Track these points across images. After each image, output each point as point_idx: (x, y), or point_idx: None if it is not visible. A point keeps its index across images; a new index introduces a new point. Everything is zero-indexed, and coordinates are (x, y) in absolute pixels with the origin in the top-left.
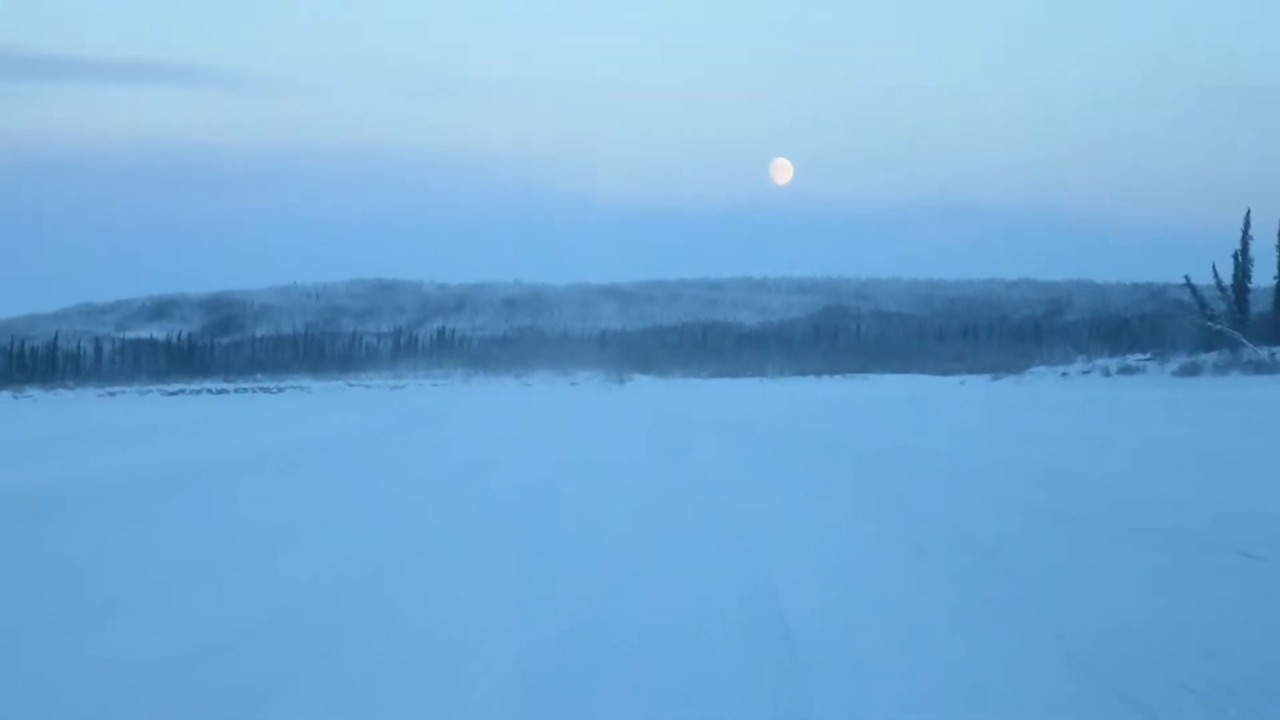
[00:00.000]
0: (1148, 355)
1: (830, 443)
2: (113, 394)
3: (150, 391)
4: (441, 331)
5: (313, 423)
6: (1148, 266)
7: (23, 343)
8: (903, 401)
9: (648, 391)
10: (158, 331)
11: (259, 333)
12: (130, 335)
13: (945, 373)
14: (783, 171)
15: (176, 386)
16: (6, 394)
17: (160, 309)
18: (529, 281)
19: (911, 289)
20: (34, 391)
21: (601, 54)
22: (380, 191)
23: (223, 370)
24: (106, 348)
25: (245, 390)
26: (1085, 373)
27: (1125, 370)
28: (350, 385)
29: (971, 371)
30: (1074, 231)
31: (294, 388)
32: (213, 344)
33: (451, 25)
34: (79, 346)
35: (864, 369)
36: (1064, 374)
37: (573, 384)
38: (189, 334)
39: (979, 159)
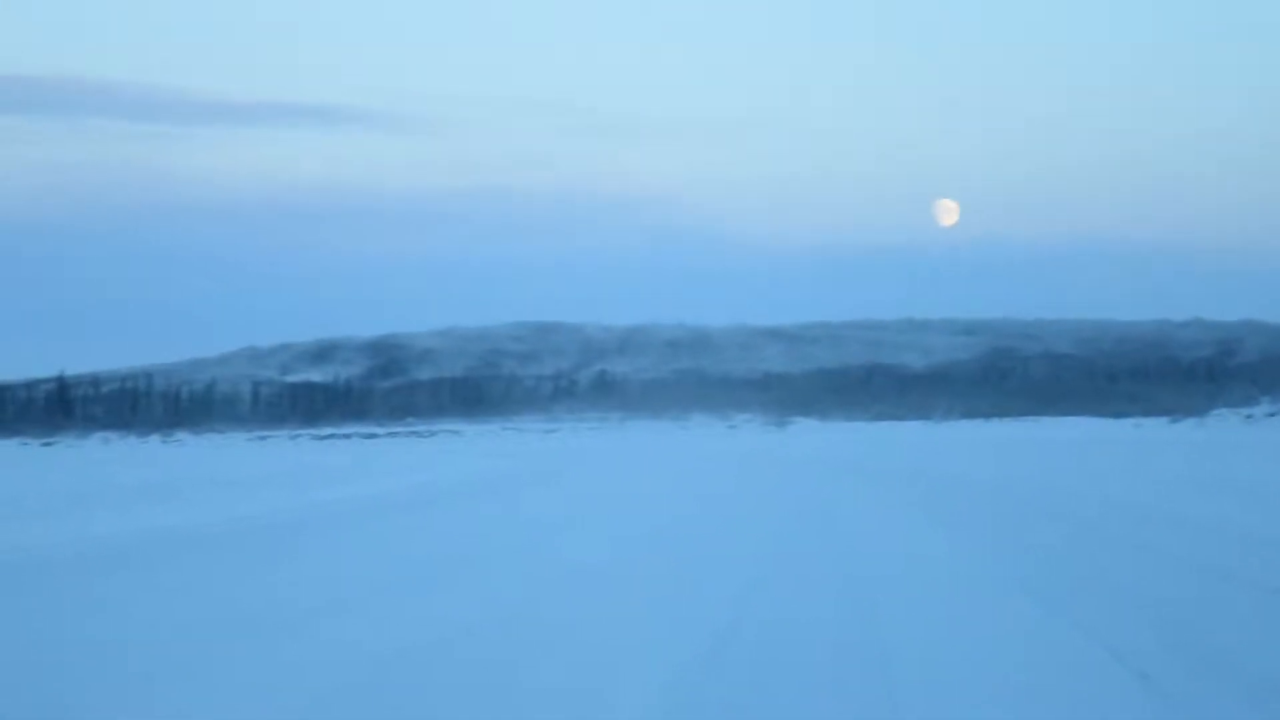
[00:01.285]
0: None
1: (1044, 506)
2: (262, 438)
3: (300, 436)
4: (602, 374)
5: (432, 470)
6: None
7: (179, 387)
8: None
9: (809, 438)
10: (320, 375)
11: (421, 375)
12: (292, 379)
13: (1117, 414)
14: (948, 212)
15: (328, 430)
16: (155, 438)
17: (323, 352)
18: (692, 324)
19: (1079, 329)
20: (183, 435)
21: (766, 93)
22: (543, 232)
23: (379, 413)
24: (264, 391)
25: (396, 434)
26: (1271, 415)
27: None
28: (504, 429)
29: (1146, 414)
30: (1245, 270)
31: (446, 431)
32: (371, 387)
33: (616, 62)
34: (235, 390)
35: (1034, 412)
36: (1248, 416)
37: (731, 427)
38: (347, 377)
39: (1145, 197)
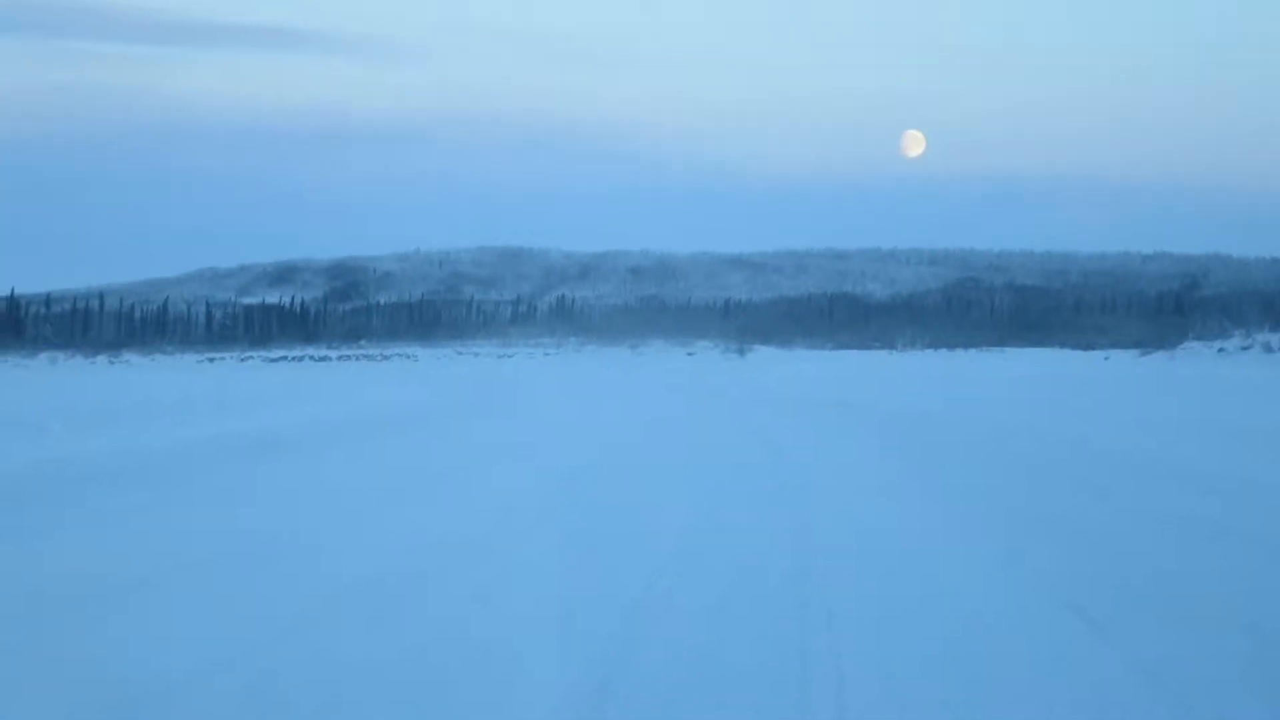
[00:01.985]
0: None
1: (1017, 446)
2: (211, 360)
3: (251, 358)
4: (561, 300)
5: (372, 395)
6: None
7: (132, 306)
8: (1056, 381)
9: (766, 365)
10: (280, 297)
11: (381, 299)
12: (249, 301)
13: (1086, 347)
14: (915, 143)
15: (280, 353)
16: (103, 358)
17: (283, 275)
18: (656, 250)
19: (1045, 262)
20: (131, 356)
21: (734, 26)
22: (509, 159)
23: (335, 336)
24: (218, 312)
25: (348, 357)
26: (1245, 348)
27: None
28: (459, 353)
29: (1115, 346)
30: (1211, 204)
31: (400, 355)
32: (327, 310)
33: None
34: (189, 311)
35: (1000, 343)
36: (1220, 349)
37: (690, 354)
38: (304, 300)
39: (1111, 131)
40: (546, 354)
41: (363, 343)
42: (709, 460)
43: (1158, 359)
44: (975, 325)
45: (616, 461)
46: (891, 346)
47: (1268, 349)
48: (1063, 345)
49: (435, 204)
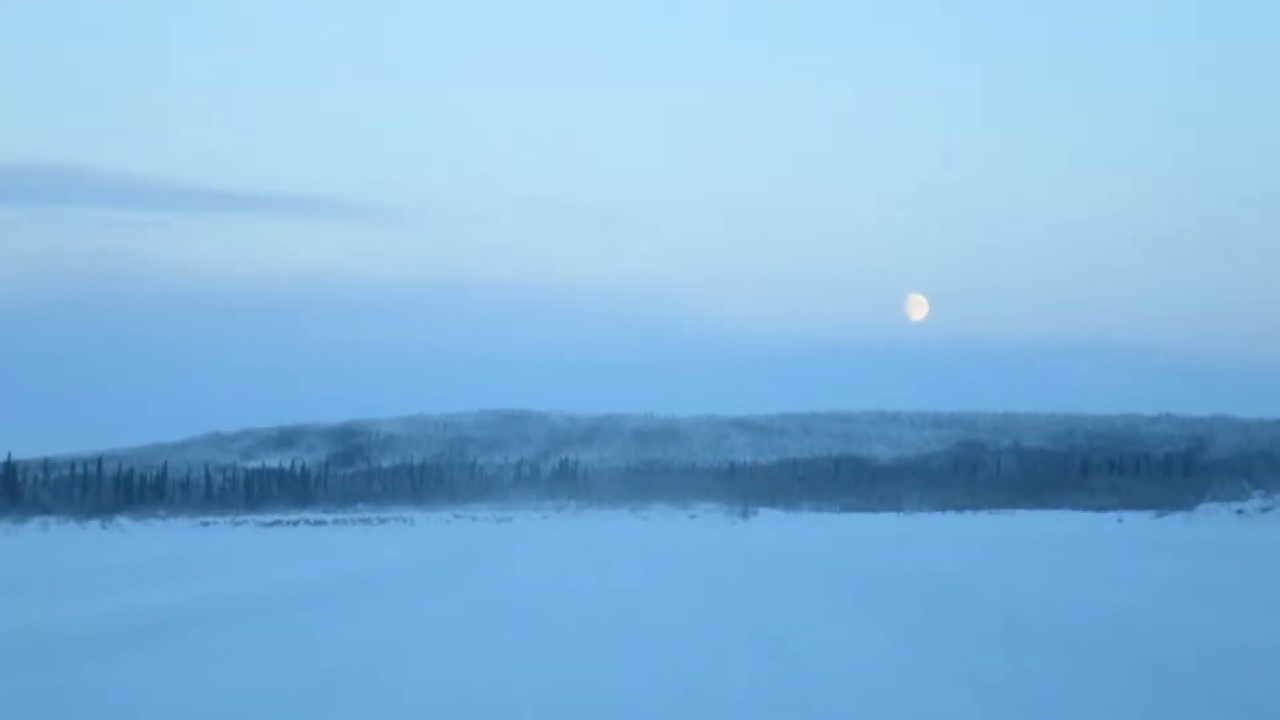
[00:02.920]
0: None
1: (1051, 625)
2: (205, 524)
3: (245, 522)
4: (564, 463)
5: (347, 560)
6: None
7: (130, 470)
8: (1070, 545)
9: (771, 528)
10: (283, 460)
11: (384, 462)
12: (252, 464)
13: (1099, 508)
14: (918, 307)
15: (275, 517)
16: (96, 523)
17: (287, 438)
18: (660, 414)
19: (1049, 424)
20: (124, 520)
21: (737, 185)
22: (511, 322)
23: (335, 500)
24: (217, 477)
25: (345, 521)
26: (1265, 510)
27: None
28: (456, 517)
29: (1127, 507)
30: (1213, 367)
31: (397, 519)
32: (328, 473)
33: (585, 154)
34: (188, 475)
35: (1009, 504)
36: (1240, 511)
37: (692, 517)
38: (304, 464)
39: (1113, 293)
40: (545, 517)
41: (360, 506)
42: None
43: (1174, 520)
44: (982, 487)
45: (566, 661)
46: (899, 509)
47: None
48: (1074, 507)
49: (439, 368)
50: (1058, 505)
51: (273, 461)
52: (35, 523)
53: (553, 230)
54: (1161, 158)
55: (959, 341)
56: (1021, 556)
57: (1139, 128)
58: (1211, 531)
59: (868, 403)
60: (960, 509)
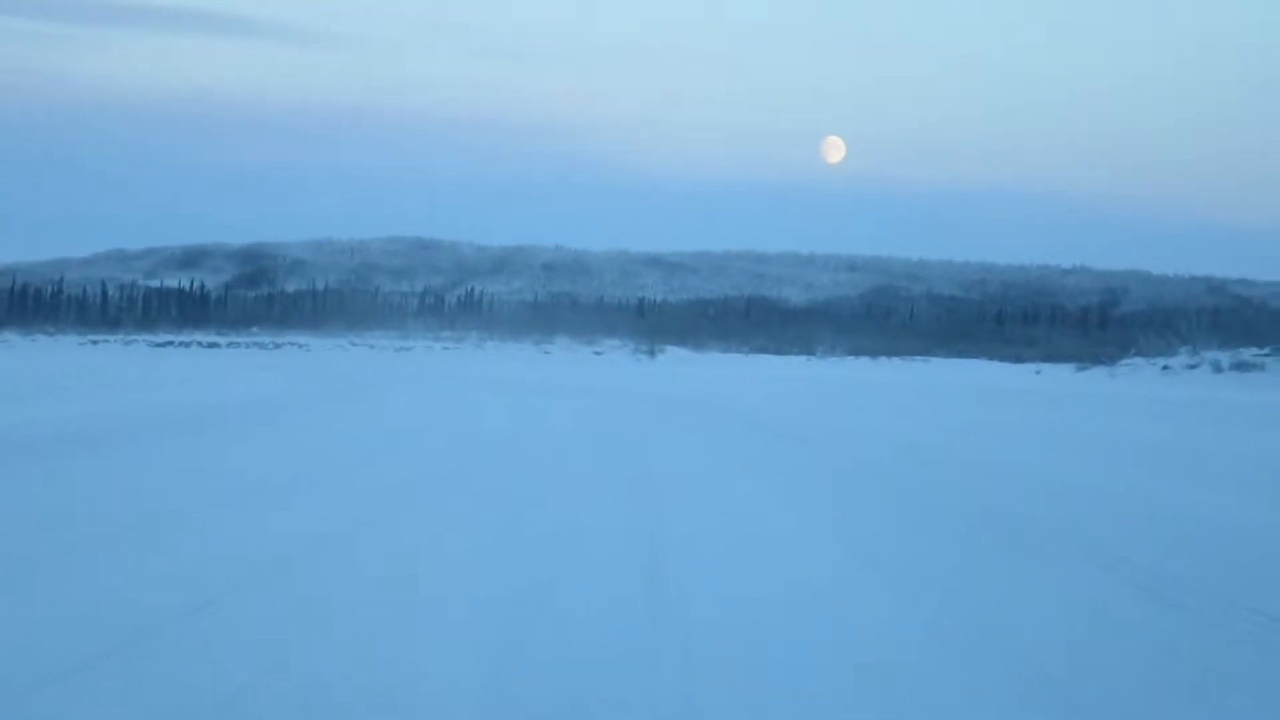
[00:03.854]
0: (1265, 350)
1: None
2: (95, 342)
3: (136, 341)
4: (469, 293)
5: (225, 385)
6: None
7: (24, 285)
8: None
9: (675, 366)
10: (186, 281)
11: (290, 286)
12: (156, 283)
13: (1016, 359)
14: (835, 149)
15: (168, 338)
16: None
17: (192, 258)
18: (571, 247)
19: (964, 271)
20: (10, 335)
21: (659, 24)
22: (426, 150)
23: (232, 323)
24: (116, 294)
25: (239, 345)
26: (1192, 366)
27: (1240, 366)
28: (353, 344)
29: (1046, 359)
30: (1129, 221)
31: (292, 344)
32: (228, 296)
33: None
34: (84, 292)
35: (924, 352)
36: (1165, 368)
37: (597, 353)
38: (203, 284)
39: (1032, 143)
40: (446, 348)
41: (255, 330)
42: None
43: (1097, 375)
44: (896, 333)
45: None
46: (810, 352)
47: (1217, 368)
48: (989, 357)
49: (349, 193)
50: (973, 354)
51: (176, 282)
52: None
53: (470, 60)
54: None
55: (874, 185)
56: (931, 407)
57: None
58: (1137, 387)
59: (781, 244)
60: (874, 355)
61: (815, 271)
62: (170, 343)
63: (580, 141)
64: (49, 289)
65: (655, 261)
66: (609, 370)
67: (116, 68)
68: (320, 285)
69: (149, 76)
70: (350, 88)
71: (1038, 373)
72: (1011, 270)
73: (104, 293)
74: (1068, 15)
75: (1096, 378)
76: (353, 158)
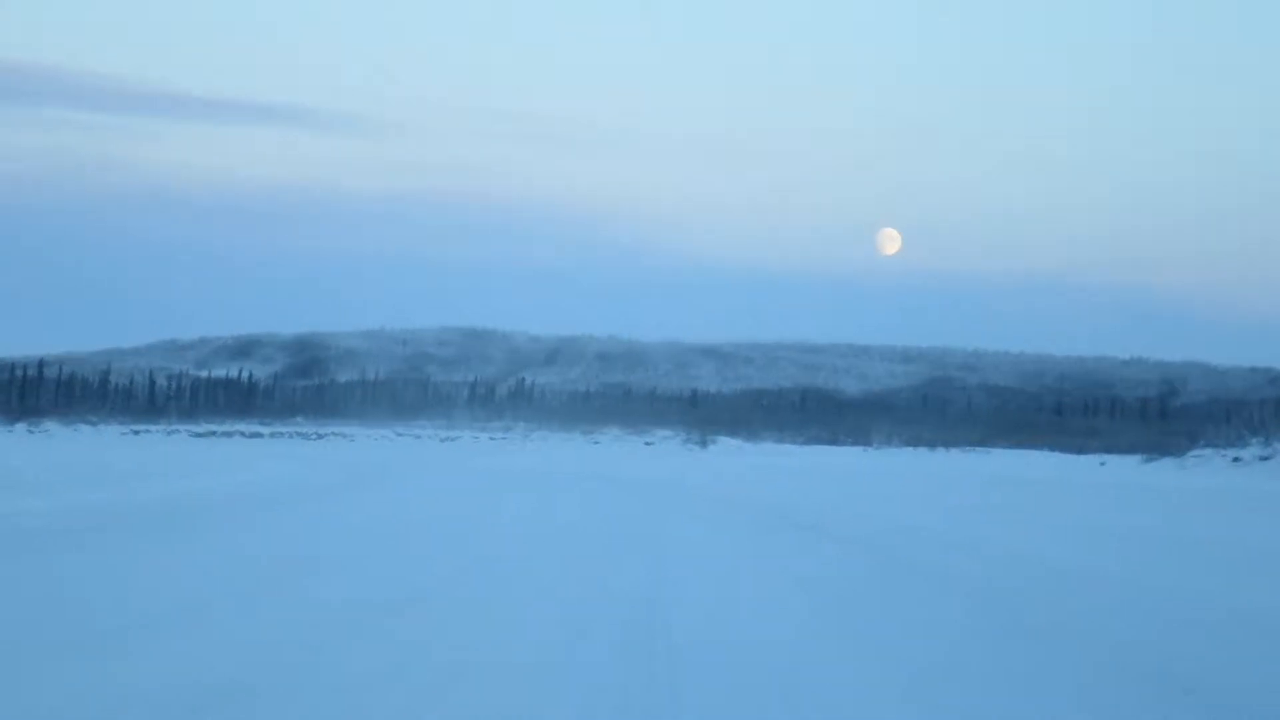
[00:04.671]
0: None
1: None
2: (136, 432)
3: (178, 431)
4: (520, 383)
5: (229, 475)
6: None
7: (71, 374)
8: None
9: (725, 458)
10: (238, 371)
11: (342, 377)
12: (206, 373)
13: (1078, 450)
14: (890, 241)
15: (209, 427)
16: (21, 426)
17: (244, 348)
18: (625, 337)
19: (1020, 362)
20: (51, 425)
21: (713, 112)
22: (479, 239)
23: (276, 413)
24: (165, 384)
25: (281, 435)
26: (1264, 459)
27: None
28: (398, 435)
29: (1109, 450)
30: (1187, 311)
31: (336, 434)
32: (277, 386)
33: (559, 71)
34: (132, 382)
35: (984, 442)
36: (1236, 459)
37: (648, 444)
38: (251, 374)
39: (1086, 233)
40: (492, 438)
41: (299, 420)
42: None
43: (1165, 466)
44: (954, 423)
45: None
46: (867, 443)
47: None
48: (1050, 448)
49: (402, 282)
50: (1033, 445)
51: (226, 372)
52: None
53: (524, 146)
54: (1141, 95)
55: (930, 276)
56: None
57: (1117, 64)
58: (1211, 479)
59: (835, 335)
60: (931, 445)
61: (870, 362)
62: (213, 432)
63: (636, 230)
64: (95, 379)
65: (710, 352)
66: (655, 462)
67: (169, 158)
68: (372, 375)
69: (202, 166)
70: (405, 176)
71: (1102, 464)
72: (1068, 361)
73: (151, 382)
74: (1124, 106)
75: (1165, 469)
76: (407, 247)
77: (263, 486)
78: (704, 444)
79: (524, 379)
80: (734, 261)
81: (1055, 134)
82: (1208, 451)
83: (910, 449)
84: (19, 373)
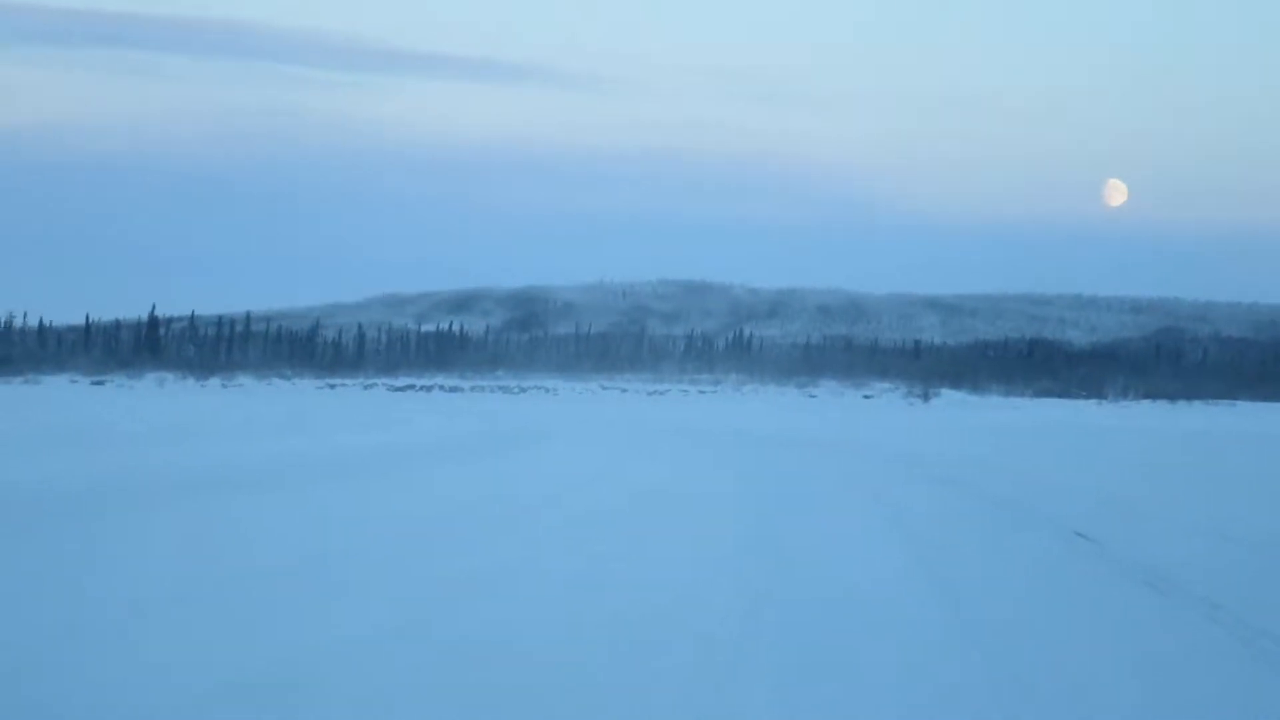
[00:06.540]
0: None
1: None
2: (332, 386)
3: (375, 385)
4: (738, 336)
5: (400, 429)
6: None
7: (278, 329)
8: None
9: (947, 412)
10: (457, 324)
11: (561, 330)
12: (427, 328)
13: None
14: (1117, 192)
15: (408, 381)
16: (216, 380)
17: (463, 302)
18: (847, 289)
19: (1252, 313)
20: (246, 380)
21: (936, 68)
22: (700, 194)
23: (477, 366)
24: (373, 336)
25: (481, 389)
26: None
27: None
28: (604, 388)
29: None
30: None
31: (538, 388)
32: (489, 339)
33: (780, 30)
34: (340, 335)
35: (1227, 395)
36: None
37: (866, 397)
38: (462, 327)
39: None
40: (702, 391)
41: (500, 373)
42: None
43: None
44: (1191, 375)
45: None
46: (1100, 396)
47: None
48: None
49: (622, 236)
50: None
51: (448, 324)
52: (151, 378)
53: (746, 104)
54: None
55: (1157, 226)
56: None
57: None
58: None
59: (1062, 286)
60: (1172, 398)
61: (1098, 313)
62: (411, 386)
63: (857, 184)
64: (303, 332)
65: (933, 304)
66: (869, 417)
67: (392, 114)
68: (591, 329)
69: (427, 123)
70: (624, 132)
71: None
72: None
73: (360, 335)
74: None
75: None
76: (628, 201)
77: (381, 448)
78: (926, 397)
79: (742, 331)
80: (959, 214)
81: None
82: None
83: (1149, 402)
84: (225, 328)
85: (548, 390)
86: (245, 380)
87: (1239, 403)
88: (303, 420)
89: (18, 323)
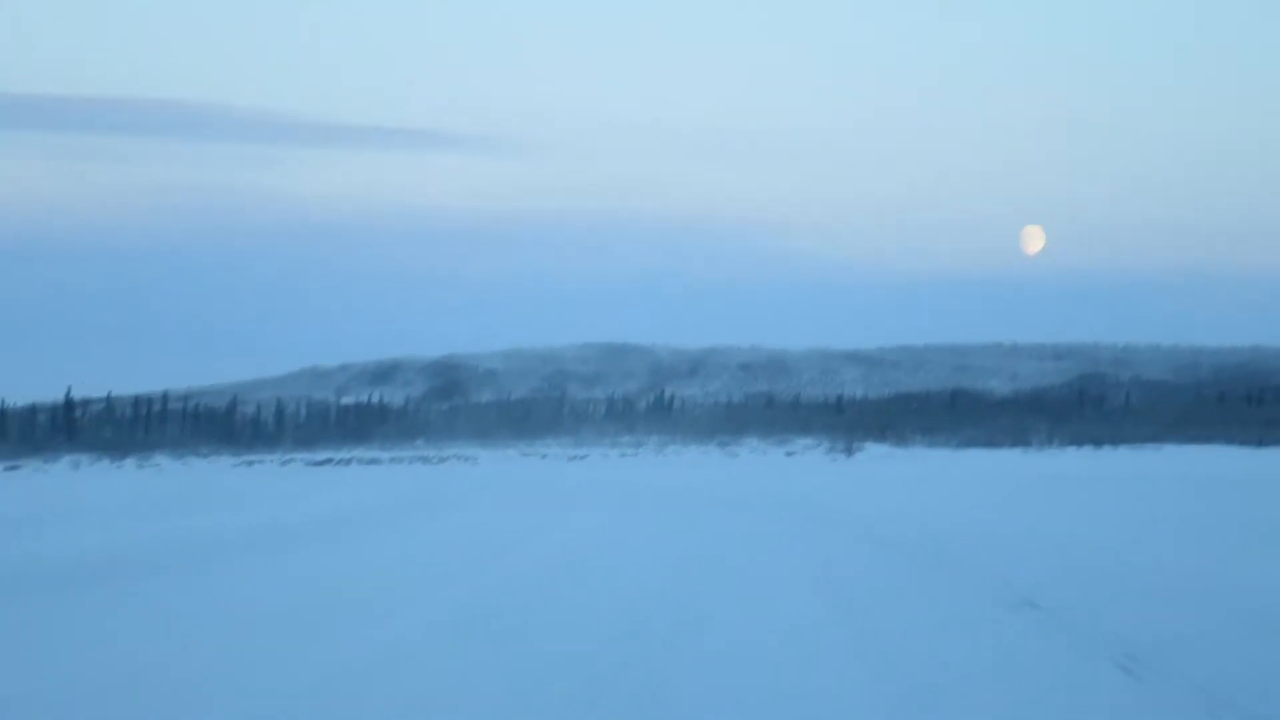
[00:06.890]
0: None
1: None
2: (250, 463)
3: (293, 460)
4: (659, 397)
5: (298, 503)
6: None
7: (196, 406)
8: None
9: (870, 466)
10: (377, 395)
11: (483, 398)
12: (347, 400)
13: (1257, 442)
14: (1034, 239)
15: (327, 455)
16: (131, 461)
17: (384, 373)
18: (768, 346)
19: (1173, 355)
20: (162, 459)
21: (850, 115)
22: (617, 254)
23: (396, 438)
24: (290, 412)
25: (400, 460)
26: None
27: None
28: (524, 455)
29: None
30: None
31: (458, 457)
32: (409, 410)
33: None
34: (258, 412)
35: (1154, 438)
36: None
37: (789, 454)
38: (406, 398)
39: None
40: (623, 454)
41: (420, 443)
42: None
43: None
44: (1116, 420)
45: None
46: (1025, 444)
47: None
48: (1226, 441)
49: (540, 300)
50: (1206, 439)
51: (369, 396)
52: (65, 461)
53: (656, 158)
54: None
55: (1075, 273)
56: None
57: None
58: None
59: (983, 334)
60: (1097, 443)
61: (1019, 361)
62: (329, 460)
63: (776, 238)
64: (220, 410)
65: (854, 357)
66: (801, 474)
67: (308, 187)
68: (512, 395)
69: (343, 194)
70: (540, 196)
71: None
72: (1223, 353)
73: (278, 411)
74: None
75: None
76: (548, 265)
77: (271, 525)
78: (849, 451)
79: (663, 392)
80: (877, 265)
81: (1198, 121)
82: None
83: (1075, 448)
84: (143, 408)
85: (467, 459)
86: (162, 460)
87: (1165, 445)
88: (188, 500)
89: None
